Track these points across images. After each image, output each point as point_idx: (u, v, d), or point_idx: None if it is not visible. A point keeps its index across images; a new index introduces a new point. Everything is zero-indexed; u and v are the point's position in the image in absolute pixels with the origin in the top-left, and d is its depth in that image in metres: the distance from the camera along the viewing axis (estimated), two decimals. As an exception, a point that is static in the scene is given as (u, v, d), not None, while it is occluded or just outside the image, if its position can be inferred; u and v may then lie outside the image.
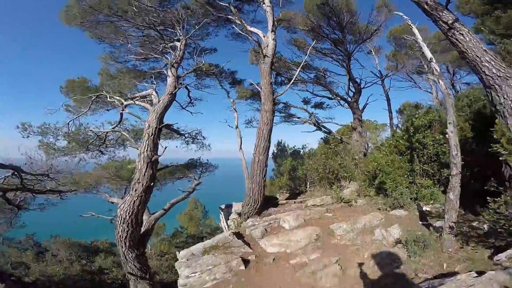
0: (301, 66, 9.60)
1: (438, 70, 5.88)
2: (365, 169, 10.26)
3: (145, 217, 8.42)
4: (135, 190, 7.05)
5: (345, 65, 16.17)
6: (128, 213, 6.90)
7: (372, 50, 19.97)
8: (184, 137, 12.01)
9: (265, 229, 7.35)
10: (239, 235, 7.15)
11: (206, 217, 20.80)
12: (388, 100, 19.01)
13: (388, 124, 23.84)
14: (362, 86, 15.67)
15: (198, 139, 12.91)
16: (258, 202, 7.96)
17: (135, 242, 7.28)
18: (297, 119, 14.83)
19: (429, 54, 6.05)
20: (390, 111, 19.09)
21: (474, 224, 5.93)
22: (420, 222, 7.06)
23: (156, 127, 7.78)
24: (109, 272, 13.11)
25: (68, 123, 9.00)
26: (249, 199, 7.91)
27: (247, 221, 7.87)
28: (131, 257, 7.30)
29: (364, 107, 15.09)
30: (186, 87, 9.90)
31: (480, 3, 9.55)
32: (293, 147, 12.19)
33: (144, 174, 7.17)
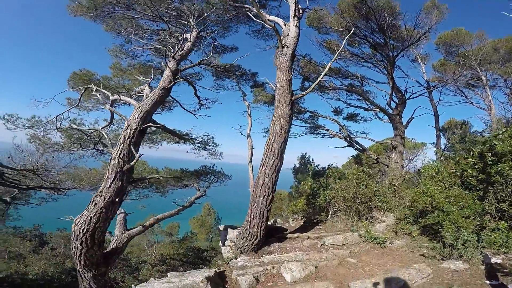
0: (331, 61, 7.01)
1: None
2: (409, 200, 7.35)
3: (117, 232, 6.56)
4: (95, 204, 5.12)
5: (386, 71, 13.13)
6: (82, 230, 5.00)
7: (418, 58, 16.63)
8: (192, 142, 10.07)
9: (257, 278, 4.95)
10: (221, 278, 4.87)
11: (219, 224, 18.71)
12: (436, 115, 15.46)
13: (433, 144, 19.87)
14: (407, 97, 12.44)
15: (209, 145, 10.92)
16: (257, 237, 5.55)
17: (93, 262, 5.38)
18: (325, 132, 12.11)
19: None
20: (438, 129, 15.47)
21: None
22: (488, 282, 4.42)
23: (136, 129, 5.83)
24: None
25: (57, 117, 7.46)
26: (246, 232, 5.54)
27: (239, 258, 5.53)
28: (87, 276, 5.49)
29: (409, 122, 11.92)
30: (188, 82, 7.86)
31: None
32: (317, 166, 9.53)
33: (110, 186, 5.21)
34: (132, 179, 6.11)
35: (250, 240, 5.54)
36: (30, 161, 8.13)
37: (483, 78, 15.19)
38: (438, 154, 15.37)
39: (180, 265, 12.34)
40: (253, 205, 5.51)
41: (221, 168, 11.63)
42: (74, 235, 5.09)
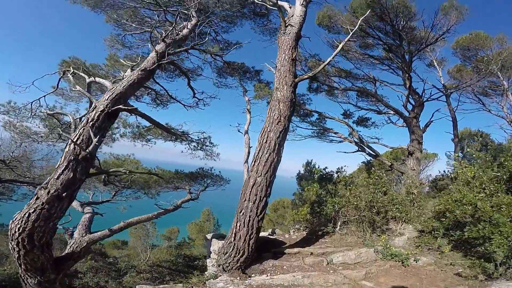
0: (345, 40, 5.68)
1: None
2: (435, 209, 5.88)
3: (76, 235, 5.29)
4: (37, 199, 3.83)
5: (403, 70, 11.70)
6: (18, 229, 3.76)
7: (435, 61, 15.16)
8: (185, 138, 8.82)
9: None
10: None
11: (218, 231, 17.19)
12: (454, 121, 13.72)
13: (449, 154, 17.97)
14: (424, 99, 10.90)
15: (206, 145, 9.64)
16: (244, 253, 4.11)
17: (38, 267, 4.08)
18: (333, 135, 10.62)
19: None
20: (456, 136, 13.69)
21: None
22: None
23: (103, 111, 4.58)
24: (82, 276, 10.21)
25: (32, 103, 6.37)
26: (230, 246, 4.12)
27: (219, 278, 4.15)
28: (31, 283, 4.27)
29: (427, 125, 10.35)
30: (177, 66, 6.66)
31: None
32: (323, 169, 7.93)
33: (58, 177, 3.96)
34: (101, 170, 4.83)
35: (235, 257, 4.11)
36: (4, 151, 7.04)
37: (505, 83, 13.46)
38: (456, 162, 13.60)
39: (168, 273, 10.89)
40: (240, 212, 4.10)
41: (219, 171, 10.31)
42: (10, 234, 3.86)
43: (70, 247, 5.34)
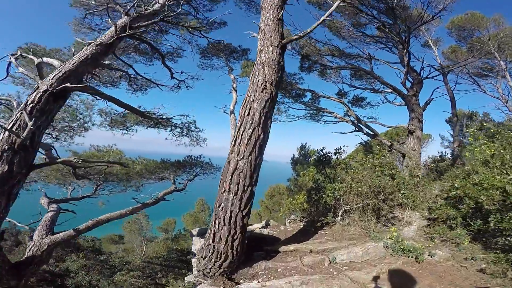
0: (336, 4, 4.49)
1: None
2: (451, 194, 4.94)
3: (36, 236, 4.29)
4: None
5: (398, 50, 10.61)
6: None
7: (430, 41, 14.07)
8: (168, 125, 7.69)
9: None
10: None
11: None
12: (453, 100, 12.77)
13: (446, 133, 17.15)
14: (423, 76, 9.85)
15: (192, 131, 8.51)
16: (227, 257, 3.14)
17: None
18: (328, 115, 9.54)
19: None
20: (455, 115, 12.79)
21: None
22: None
23: (46, 91, 3.47)
24: (74, 276, 9.44)
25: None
26: (209, 249, 3.12)
27: (199, 287, 3.11)
28: None
29: (427, 103, 9.35)
30: (138, 38, 5.43)
31: None
32: (320, 150, 6.61)
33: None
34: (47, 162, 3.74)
35: (216, 262, 3.12)
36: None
37: (502, 64, 12.52)
38: (455, 143, 12.76)
39: (160, 270, 10.01)
40: (219, 207, 3.09)
41: (209, 159, 9.25)
42: None
43: (30, 250, 4.36)
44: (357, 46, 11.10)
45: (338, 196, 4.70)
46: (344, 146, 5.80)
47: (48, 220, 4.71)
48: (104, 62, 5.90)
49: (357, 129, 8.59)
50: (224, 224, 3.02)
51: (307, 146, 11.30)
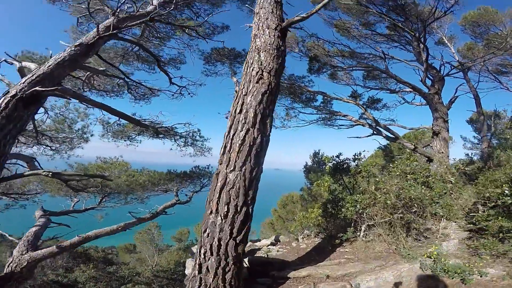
0: None
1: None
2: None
3: (15, 252, 3.70)
4: None
5: (413, 47, 9.57)
6: None
7: (444, 38, 12.80)
8: (170, 134, 7.08)
9: None
10: None
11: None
12: (477, 98, 11.36)
13: (473, 134, 15.48)
14: (444, 73, 8.70)
15: (196, 141, 7.86)
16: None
17: None
18: (342, 118, 8.56)
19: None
20: (481, 113, 11.32)
21: None
22: None
23: (14, 96, 2.92)
24: (82, 287, 9.02)
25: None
26: (195, 281, 2.33)
27: None
28: None
29: (452, 101, 8.20)
30: (124, 39, 4.87)
31: None
32: (336, 156, 5.35)
33: None
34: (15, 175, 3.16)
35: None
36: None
37: None
38: (485, 144, 11.22)
39: (167, 284, 9.27)
40: (205, 233, 2.28)
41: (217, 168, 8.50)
42: None
43: (9, 266, 3.80)
44: (368, 45, 10.17)
45: (360, 210, 3.74)
46: (364, 151, 4.85)
47: (31, 235, 4.15)
48: (100, 68, 5.45)
49: (375, 132, 7.56)
50: (212, 254, 2.21)
51: (320, 153, 10.32)
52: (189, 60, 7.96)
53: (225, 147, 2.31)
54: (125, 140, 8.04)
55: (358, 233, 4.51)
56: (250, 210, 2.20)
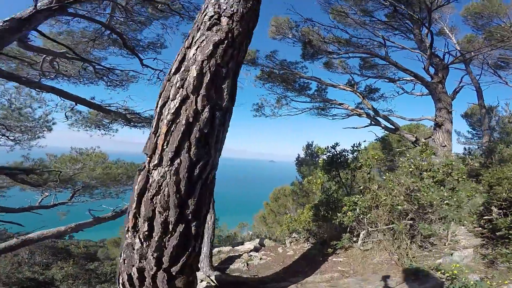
0: None
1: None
2: None
3: None
4: None
5: (414, 33, 8.56)
6: None
7: (446, 28, 11.78)
8: (149, 124, 6.07)
9: None
10: None
11: (216, 226, 14.41)
12: (479, 90, 10.46)
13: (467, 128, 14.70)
14: (448, 62, 7.75)
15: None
16: None
17: None
18: (338, 107, 7.59)
19: None
20: (483, 106, 10.44)
21: None
22: None
23: None
24: (59, 284, 8.09)
25: None
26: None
27: None
28: None
29: (456, 91, 7.29)
30: (70, 14, 3.81)
31: None
32: (332, 147, 4.19)
33: None
34: None
35: None
36: None
37: None
38: (485, 136, 10.37)
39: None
40: (121, 259, 1.31)
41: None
42: None
43: None
44: (368, 30, 9.12)
45: (360, 215, 2.83)
46: (364, 141, 3.91)
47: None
48: (56, 51, 4.40)
49: (373, 122, 6.66)
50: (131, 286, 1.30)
51: (313, 145, 9.40)
52: (173, 45, 6.84)
53: (152, 128, 1.34)
54: (99, 129, 7.03)
55: (356, 241, 3.61)
56: (193, 229, 1.27)
